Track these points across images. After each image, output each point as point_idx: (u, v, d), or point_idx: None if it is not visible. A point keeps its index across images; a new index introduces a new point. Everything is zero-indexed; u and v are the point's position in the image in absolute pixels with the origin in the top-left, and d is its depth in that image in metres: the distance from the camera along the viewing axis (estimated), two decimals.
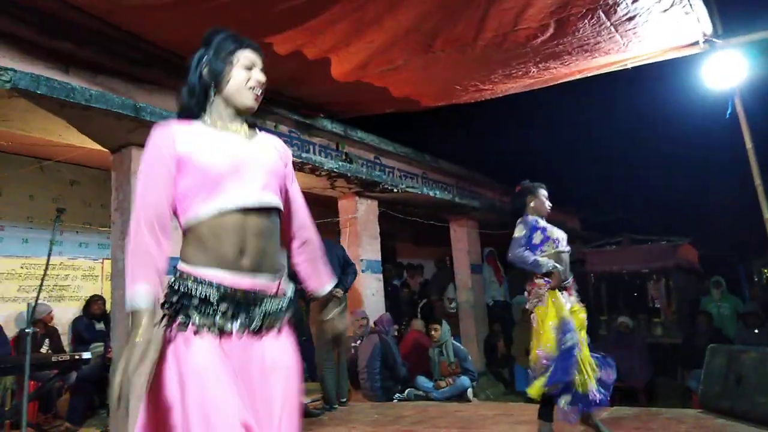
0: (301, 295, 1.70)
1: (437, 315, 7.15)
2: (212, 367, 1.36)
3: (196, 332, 1.39)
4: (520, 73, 4.99)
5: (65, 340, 5.98)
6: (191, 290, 1.42)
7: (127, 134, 4.31)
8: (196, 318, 1.40)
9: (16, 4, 3.67)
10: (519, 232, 3.52)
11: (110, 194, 4.64)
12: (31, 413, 4.94)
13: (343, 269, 5.38)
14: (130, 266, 1.41)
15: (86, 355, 4.73)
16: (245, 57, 1.59)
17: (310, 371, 6.40)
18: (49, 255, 3.93)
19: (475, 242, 8.77)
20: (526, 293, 3.58)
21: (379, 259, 7.01)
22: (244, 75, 1.58)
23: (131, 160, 4.42)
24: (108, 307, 5.96)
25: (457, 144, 9.69)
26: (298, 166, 5.66)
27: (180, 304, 1.42)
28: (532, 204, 3.62)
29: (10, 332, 5.49)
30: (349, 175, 6.23)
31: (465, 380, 5.61)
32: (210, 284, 1.42)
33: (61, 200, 6.17)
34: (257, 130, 1.66)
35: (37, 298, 4.01)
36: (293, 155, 5.44)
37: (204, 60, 1.58)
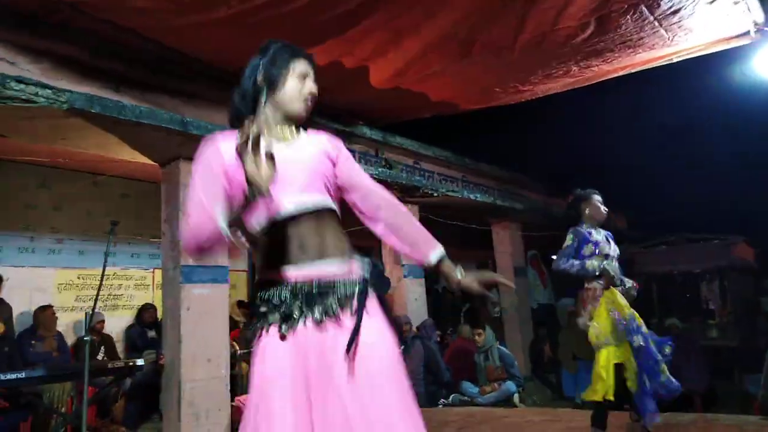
0: None
1: (481, 320, 7.08)
2: (278, 375, 1.39)
3: (271, 332, 1.43)
4: (561, 72, 4.91)
5: (119, 348, 6.21)
6: (268, 296, 1.46)
7: (176, 148, 4.46)
8: (272, 319, 1.43)
9: (72, 28, 3.85)
10: (568, 241, 3.44)
11: (160, 206, 4.81)
12: (90, 418, 5.15)
13: (379, 276, 5.42)
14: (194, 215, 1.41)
15: (139, 361, 4.90)
16: (300, 67, 1.62)
17: None
18: (104, 266, 4.10)
19: (519, 245, 8.64)
20: (582, 304, 3.47)
21: None
22: (298, 84, 1.61)
23: (180, 172, 4.56)
24: (159, 315, 6.17)
25: (498, 146, 9.58)
26: None
27: (260, 311, 1.46)
28: (587, 211, 3.52)
29: (69, 340, 5.75)
30: (389, 180, 6.25)
31: (511, 385, 5.54)
32: (281, 284, 1.46)
33: (113, 213, 6.42)
34: (301, 132, 1.66)
35: (94, 307, 4.18)
36: None
37: (260, 66, 1.61)
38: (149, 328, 6.16)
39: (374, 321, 1.48)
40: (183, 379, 4.24)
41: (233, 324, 6.20)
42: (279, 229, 1.49)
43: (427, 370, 5.62)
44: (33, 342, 4.88)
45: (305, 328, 1.42)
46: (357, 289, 1.49)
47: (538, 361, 7.98)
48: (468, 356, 6.16)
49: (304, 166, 1.56)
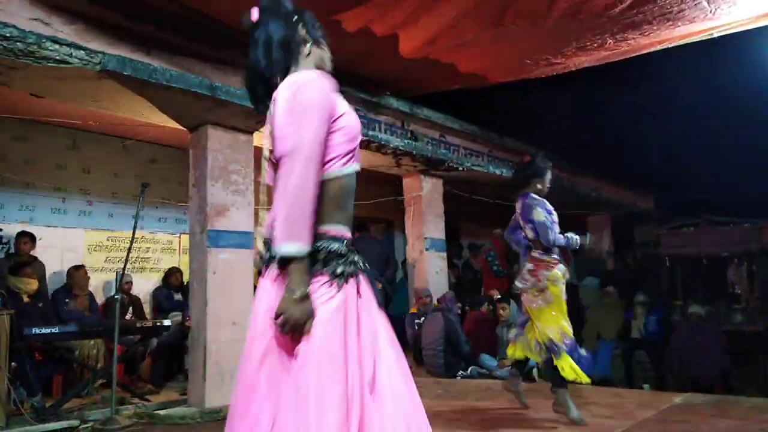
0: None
1: (504, 294, 7.07)
2: (341, 320, 1.44)
3: (339, 285, 1.46)
4: (596, 45, 4.77)
5: (146, 309, 6.38)
6: (329, 247, 1.48)
7: (204, 113, 4.49)
8: (341, 272, 1.47)
9: None
10: (540, 215, 3.58)
11: (187, 171, 4.87)
12: (118, 375, 5.32)
13: (386, 263, 6.00)
14: (297, 217, 1.40)
15: (166, 322, 5.03)
16: (323, 38, 1.72)
17: None
18: (134, 227, 4.18)
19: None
20: (529, 274, 3.64)
21: (443, 237, 7.00)
22: (327, 53, 1.72)
23: (207, 138, 4.60)
24: (185, 278, 6.29)
25: (525, 121, 9.42)
26: (364, 144, 5.71)
27: (322, 260, 1.47)
28: (537, 185, 3.73)
29: (98, 300, 5.91)
30: (414, 153, 6.23)
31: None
32: (340, 239, 1.51)
33: (141, 177, 6.52)
34: None
35: (125, 267, 4.29)
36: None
37: (300, 19, 1.66)
38: (175, 291, 6.30)
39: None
40: (209, 340, 4.34)
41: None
42: (352, 182, 1.56)
43: (446, 341, 5.66)
44: (66, 300, 5.03)
45: (356, 280, 1.52)
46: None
47: None
48: (486, 328, 6.18)
49: None
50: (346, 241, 1.53)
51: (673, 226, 9.46)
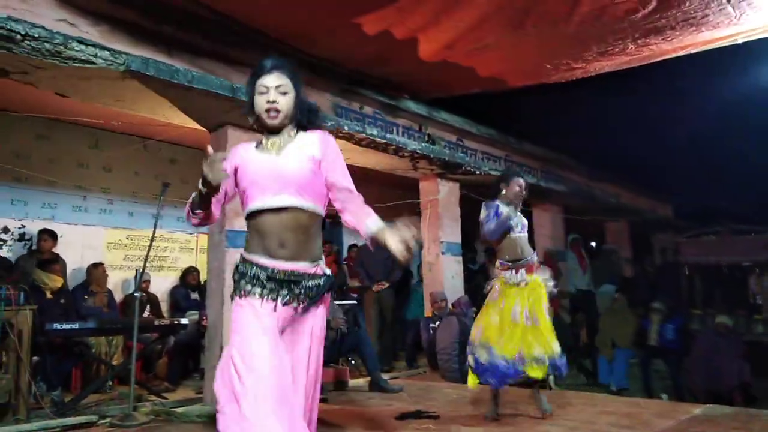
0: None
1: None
2: (253, 323, 1.77)
3: (249, 297, 1.82)
4: (617, 50, 4.74)
5: (163, 308, 6.44)
6: (249, 271, 1.84)
7: (224, 114, 4.52)
8: (252, 289, 1.82)
9: None
10: (483, 213, 3.88)
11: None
12: (135, 372, 5.38)
13: (392, 265, 6.46)
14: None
15: (184, 321, 5.07)
16: (261, 85, 1.91)
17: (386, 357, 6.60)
18: (155, 225, 4.23)
19: (559, 228, 8.50)
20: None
21: (459, 241, 6.97)
22: (260, 100, 1.91)
23: (227, 139, 4.63)
24: (202, 278, 6.35)
25: (543, 126, 9.36)
26: (382, 147, 5.72)
27: (242, 281, 1.85)
28: (503, 191, 3.94)
29: (117, 297, 5.98)
30: (431, 156, 6.21)
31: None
32: (260, 267, 1.83)
33: (161, 177, 6.59)
34: (295, 138, 1.96)
35: (144, 266, 4.33)
36: (377, 135, 5.49)
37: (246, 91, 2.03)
38: (192, 290, 6.35)
39: (321, 309, 1.92)
40: (225, 340, 4.36)
41: None
42: (263, 219, 1.85)
43: (461, 346, 5.61)
44: (85, 297, 5.10)
45: (276, 303, 1.82)
46: (318, 284, 1.89)
47: (574, 346, 7.90)
48: None
49: (285, 173, 1.86)
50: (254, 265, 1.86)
51: (692, 234, 9.33)
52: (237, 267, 1.90)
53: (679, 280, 8.89)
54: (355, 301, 6.45)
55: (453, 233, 6.90)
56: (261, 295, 1.81)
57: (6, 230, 5.68)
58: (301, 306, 1.85)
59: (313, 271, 1.88)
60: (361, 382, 5.38)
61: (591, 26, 4.28)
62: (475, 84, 5.73)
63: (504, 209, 3.83)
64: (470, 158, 7.17)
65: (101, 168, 6.35)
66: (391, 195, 7.65)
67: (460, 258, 6.95)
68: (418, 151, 6.03)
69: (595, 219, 9.57)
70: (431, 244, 6.82)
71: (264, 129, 1.96)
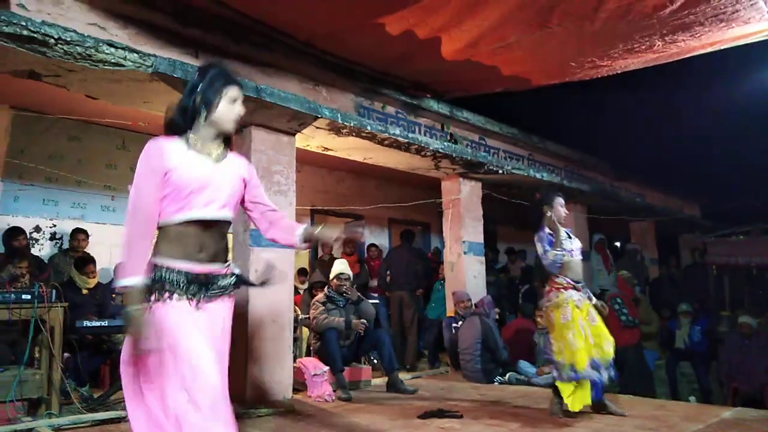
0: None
1: (540, 301, 6.96)
2: (184, 321, 1.84)
3: (172, 301, 1.85)
4: (644, 47, 4.66)
5: None
6: (167, 276, 1.86)
7: (248, 115, 4.53)
8: (173, 294, 1.85)
9: None
10: (540, 248, 3.96)
11: None
12: None
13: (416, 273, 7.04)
14: (131, 259, 1.83)
15: None
16: (232, 92, 1.97)
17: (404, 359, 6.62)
18: None
19: (583, 228, 8.41)
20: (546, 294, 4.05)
21: (482, 241, 6.94)
22: (230, 107, 1.96)
23: (251, 139, 4.70)
24: None
25: (567, 125, 9.26)
26: (404, 147, 5.73)
27: (160, 286, 1.85)
28: (548, 214, 4.00)
29: None
30: (453, 155, 6.20)
31: None
32: (180, 272, 1.87)
33: None
34: (227, 153, 2.04)
35: None
36: (399, 135, 5.50)
37: (199, 88, 1.95)
38: None
39: (230, 305, 2.02)
40: (250, 338, 4.42)
41: (294, 290, 6.39)
42: (189, 228, 1.89)
43: (484, 347, 5.60)
44: (113, 295, 5.20)
45: (195, 303, 1.89)
46: (229, 283, 1.99)
47: None
48: (527, 335, 6.10)
49: (225, 187, 1.95)
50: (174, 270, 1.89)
51: (720, 234, 9.14)
52: (153, 275, 1.87)
53: (707, 281, 8.72)
54: (377, 301, 6.47)
55: (475, 233, 6.87)
56: (181, 297, 1.86)
57: (38, 229, 5.83)
58: (214, 301, 1.94)
59: (224, 271, 1.98)
60: (382, 381, 5.39)
61: (617, 23, 4.22)
62: (498, 83, 5.69)
63: (557, 236, 3.91)
64: (493, 157, 7.13)
65: (129, 168, 6.46)
66: (413, 195, 7.67)
67: (483, 258, 6.92)
68: (440, 150, 6.02)
69: (620, 219, 9.44)
70: (453, 244, 6.80)
71: (196, 132, 1.96)
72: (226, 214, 1.97)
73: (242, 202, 2.12)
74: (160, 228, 1.91)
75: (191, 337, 1.82)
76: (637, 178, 10.12)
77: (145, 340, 1.80)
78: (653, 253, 10.58)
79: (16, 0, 3.57)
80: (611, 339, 3.85)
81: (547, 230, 3.98)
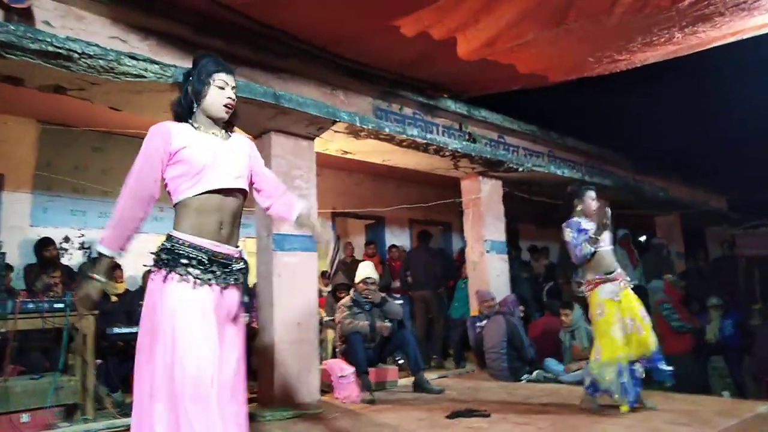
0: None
1: (565, 299, 6.91)
2: (186, 306, 1.82)
3: (187, 282, 1.85)
4: (663, 39, 4.62)
5: None
6: (187, 253, 1.87)
7: (267, 121, 4.63)
8: (192, 272, 1.86)
9: (176, 6, 4.07)
10: (567, 236, 3.90)
11: None
12: None
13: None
14: (111, 227, 1.89)
15: None
16: (220, 80, 2.00)
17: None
18: None
19: (604, 222, 8.29)
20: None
21: (504, 240, 6.91)
22: (219, 93, 2.00)
23: (271, 145, 4.74)
24: (250, 280, 6.49)
25: (586, 120, 9.17)
26: (423, 147, 5.73)
27: (176, 261, 1.85)
28: (579, 208, 4.00)
29: None
30: (472, 154, 6.18)
31: None
32: (200, 249, 1.88)
33: None
34: (230, 134, 2.10)
35: None
36: (417, 136, 5.49)
37: (190, 80, 2.03)
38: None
39: (240, 292, 2.03)
40: (276, 341, 4.47)
41: (318, 293, 6.43)
42: (208, 200, 1.92)
43: (510, 345, 5.58)
44: (140, 302, 5.29)
45: (211, 285, 1.89)
46: (242, 268, 2.02)
47: None
48: (554, 333, 6.04)
49: (235, 159, 2.02)
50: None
51: (749, 226, 8.94)
52: (169, 247, 1.89)
53: (736, 273, 8.54)
54: (401, 301, 6.48)
55: (497, 231, 6.84)
56: (198, 278, 1.86)
57: (67, 239, 5.97)
58: (229, 288, 1.95)
59: (238, 255, 2.00)
60: (409, 381, 5.40)
61: (635, 17, 4.19)
62: (516, 81, 5.69)
63: (586, 225, 3.88)
64: (512, 155, 7.10)
65: None
66: (433, 195, 7.66)
67: (506, 256, 6.88)
68: (459, 150, 6.01)
69: (644, 213, 9.31)
70: (475, 243, 6.78)
71: (196, 119, 2.02)
72: (241, 183, 2.01)
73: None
74: (178, 205, 1.95)
75: (186, 324, 1.80)
76: (661, 172, 9.98)
77: (86, 306, 1.89)
78: (680, 247, 10.40)
79: (41, 17, 3.69)
80: (653, 336, 3.81)
81: (574, 221, 3.94)
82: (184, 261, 1.86)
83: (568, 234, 3.90)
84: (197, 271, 1.86)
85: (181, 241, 1.89)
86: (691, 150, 9.79)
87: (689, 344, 6.35)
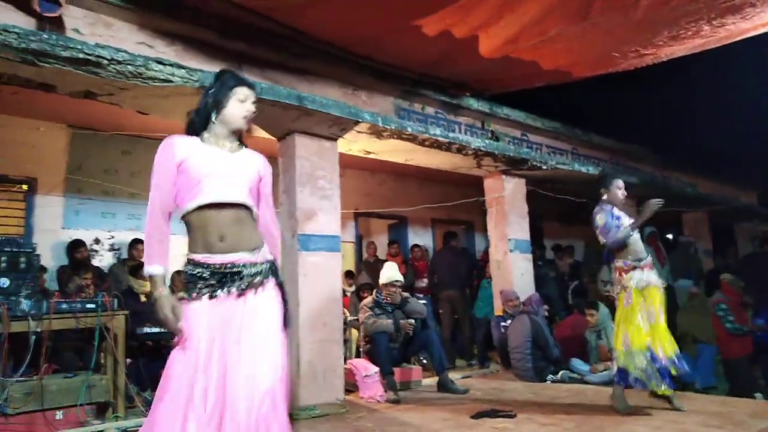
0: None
1: (590, 298, 6.83)
2: (194, 330, 1.86)
3: (196, 298, 1.90)
4: (690, 33, 4.54)
5: None
6: (194, 271, 1.93)
7: (292, 122, 4.68)
8: (197, 289, 1.91)
9: (201, 11, 4.14)
10: (600, 219, 3.83)
11: (276, 179, 5.07)
12: None
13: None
14: (150, 247, 1.95)
15: None
16: (241, 93, 2.06)
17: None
18: None
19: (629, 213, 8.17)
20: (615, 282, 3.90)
21: (528, 238, 6.85)
22: (239, 106, 2.06)
23: (295, 146, 4.79)
24: None
25: (611, 116, 9.05)
26: (445, 146, 5.72)
27: (189, 281, 1.93)
28: (605, 197, 3.95)
29: None
30: (495, 153, 6.14)
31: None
32: (204, 265, 1.92)
33: None
34: (243, 148, 2.12)
35: None
36: (440, 135, 5.49)
37: (211, 91, 2.08)
38: None
39: (268, 295, 1.97)
40: (301, 340, 4.51)
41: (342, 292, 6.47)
42: (204, 213, 1.93)
43: (534, 345, 5.53)
44: None
45: (220, 297, 1.91)
46: (260, 271, 1.97)
47: None
48: (582, 333, 5.98)
49: (239, 173, 2.01)
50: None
51: None
52: (185, 270, 1.96)
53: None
54: (424, 301, 6.48)
55: (521, 230, 6.79)
56: (203, 294, 1.90)
57: (97, 241, 6.11)
58: (247, 293, 1.93)
59: (253, 259, 1.98)
60: (433, 381, 5.40)
61: (661, 10, 4.13)
62: (539, 77, 5.65)
63: (618, 213, 3.83)
64: (536, 153, 7.04)
65: None
66: (455, 194, 7.64)
67: (530, 255, 6.83)
68: (481, 148, 5.98)
69: (671, 210, 9.13)
70: (498, 242, 6.74)
71: (210, 130, 2.05)
72: (239, 197, 1.99)
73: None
74: (183, 220, 1.98)
75: (182, 357, 1.84)
76: (688, 168, 9.78)
77: (173, 323, 1.88)
78: (708, 245, 10.18)
79: (71, 25, 3.79)
80: (672, 342, 3.76)
81: (607, 206, 3.87)
82: (194, 280, 1.93)
83: (601, 217, 3.81)
84: (204, 286, 1.91)
85: (190, 261, 1.96)
86: (720, 144, 9.60)
87: (747, 348, 6.07)
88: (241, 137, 2.13)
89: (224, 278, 1.93)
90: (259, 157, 2.15)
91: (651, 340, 3.67)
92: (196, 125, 2.07)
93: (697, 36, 4.67)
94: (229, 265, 1.93)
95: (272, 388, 1.88)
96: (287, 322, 2.05)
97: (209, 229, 1.94)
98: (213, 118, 2.05)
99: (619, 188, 3.94)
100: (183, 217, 1.97)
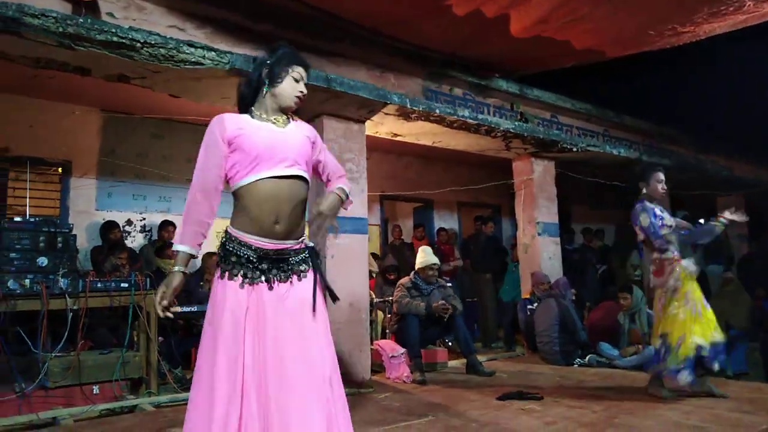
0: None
1: (619, 283, 6.73)
2: (234, 312, 1.83)
3: (236, 280, 1.86)
4: (731, 8, 4.36)
5: None
6: (236, 250, 1.89)
7: (320, 105, 4.68)
8: (240, 271, 1.87)
9: None
10: (645, 220, 3.72)
11: None
12: None
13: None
14: (184, 225, 1.93)
15: None
16: (297, 71, 2.02)
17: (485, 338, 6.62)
18: None
19: (665, 205, 7.99)
20: (653, 275, 3.84)
21: (557, 221, 6.78)
22: (294, 85, 2.01)
23: (323, 128, 4.80)
24: None
25: (645, 97, 8.80)
26: (474, 128, 5.66)
27: (227, 259, 1.89)
28: (644, 191, 3.85)
29: None
30: (525, 135, 6.06)
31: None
32: (250, 247, 1.88)
33: None
34: (291, 120, 2.07)
35: None
36: (468, 116, 5.43)
37: (267, 63, 2.02)
38: None
39: (307, 283, 1.93)
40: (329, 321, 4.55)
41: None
42: (262, 188, 1.88)
43: (562, 328, 5.50)
44: (201, 284, 5.51)
45: (263, 283, 1.88)
46: (302, 259, 1.96)
47: None
48: (612, 317, 5.90)
49: (292, 146, 1.97)
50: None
51: None
52: (223, 242, 1.93)
53: None
54: (450, 284, 6.48)
55: (549, 213, 6.71)
56: (245, 277, 1.86)
57: (130, 222, 6.25)
58: (289, 282, 1.90)
59: (297, 247, 1.96)
60: (458, 363, 5.42)
61: None
62: (570, 57, 5.52)
63: (660, 213, 3.75)
64: (566, 135, 6.92)
65: None
66: (481, 176, 7.58)
67: (558, 239, 6.75)
68: (510, 130, 5.90)
69: (706, 194, 8.89)
70: (527, 226, 6.69)
71: (261, 105, 2.01)
72: (297, 170, 1.95)
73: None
74: (234, 194, 1.93)
75: (223, 340, 1.81)
76: (725, 150, 9.49)
77: (160, 299, 1.87)
78: (742, 229, 9.91)
79: (105, 9, 3.83)
80: (718, 329, 3.69)
81: (648, 204, 3.77)
82: (233, 259, 1.88)
83: (645, 218, 3.72)
84: (245, 270, 1.87)
85: (233, 238, 1.91)
86: (758, 126, 9.27)
87: None
88: (287, 114, 2.10)
89: (272, 264, 1.89)
90: (306, 126, 2.13)
91: (700, 327, 3.60)
92: (246, 97, 2.04)
93: (740, 12, 4.48)
94: (278, 251, 1.90)
95: (329, 375, 1.88)
96: (333, 297, 2.07)
97: (264, 207, 1.87)
98: (264, 92, 2.01)
99: (659, 181, 3.84)
100: (236, 192, 1.92)
